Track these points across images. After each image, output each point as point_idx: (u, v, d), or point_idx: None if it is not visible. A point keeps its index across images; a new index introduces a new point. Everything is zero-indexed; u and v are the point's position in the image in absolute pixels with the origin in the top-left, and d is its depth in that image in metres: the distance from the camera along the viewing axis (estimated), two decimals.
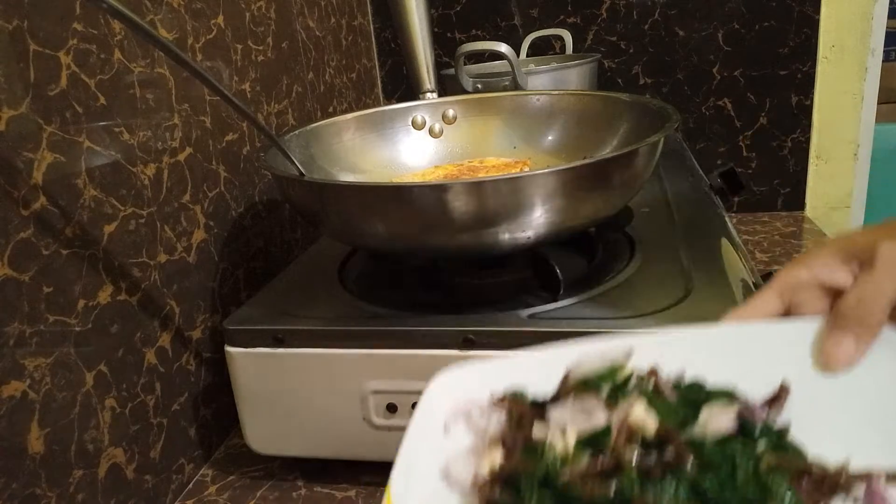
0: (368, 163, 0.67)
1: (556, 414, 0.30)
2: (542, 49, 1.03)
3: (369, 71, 1.07)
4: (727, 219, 0.64)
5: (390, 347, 0.46)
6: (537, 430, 0.29)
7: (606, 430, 0.28)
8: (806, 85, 0.97)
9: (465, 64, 0.79)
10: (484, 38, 1.04)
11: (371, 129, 0.68)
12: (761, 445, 0.27)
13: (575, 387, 0.30)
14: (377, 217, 0.45)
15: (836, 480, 0.26)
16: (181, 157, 0.54)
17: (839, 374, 0.30)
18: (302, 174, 0.53)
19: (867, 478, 0.26)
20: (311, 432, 0.49)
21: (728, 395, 0.29)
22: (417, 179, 0.65)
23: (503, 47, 0.74)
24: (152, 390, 0.50)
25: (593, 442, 0.28)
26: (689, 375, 0.31)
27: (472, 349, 0.44)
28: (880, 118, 1.03)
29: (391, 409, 0.47)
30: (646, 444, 0.27)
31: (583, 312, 0.45)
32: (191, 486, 0.54)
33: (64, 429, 0.41)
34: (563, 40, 1.01)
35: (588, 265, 0.54)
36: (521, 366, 0.33)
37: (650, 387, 0.30)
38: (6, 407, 0.37)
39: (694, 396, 0.29)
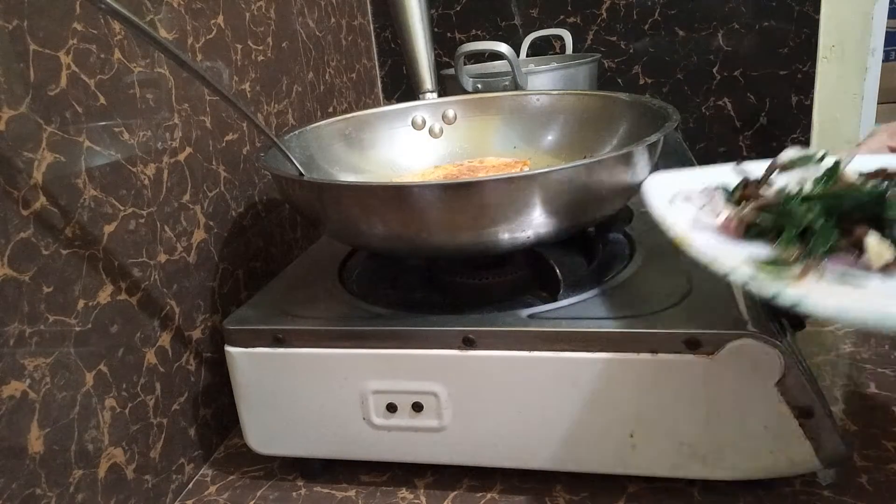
0: (368, 163, 0.67)
1: (781, 178, 0.41)
2: (542, 49, 1.03)
3: (369, 71, 1.07)
4: None
5: (390, 347, 0.46)
6: (766, 192, 0.40)
7: (835, 168, 0.40)
8: (806, 85, 0.97)
9: (465, 64, 0.79)
10: (484, 38, 1.04)
11: (371, 129, 0.68)
12: None
13: (789, 163, 0.42)
14: (377, 217, 0.45)
15: None
16: (181, 157, 0.54)
17: None
18: (302, 174, 0.53)
19: None
20: (311, 432, 0.49)
21: None
22: (417, 179, 0.65)
23: (503, 47, 0.74)
24: (152, 390, 0.50)
25: (828, 177, 0.39)
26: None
27: (472, 349, 0.44)
28: (880, 118, 1.02)
29: (391, 409, 0.47)
30: None
31: (583, 312, 0.45)
32: (191, 486, 0.54)
33: (64, 429, 0.41)
34: (563, 40, 1.01)
35: (588, 265, 0.54)
36: (719, 171, 0.46)
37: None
38: (6, 407, 0.37)
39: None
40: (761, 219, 0.38)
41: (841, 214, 0.37)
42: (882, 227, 0.35)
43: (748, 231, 0.39)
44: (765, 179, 0.42)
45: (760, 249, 0.37)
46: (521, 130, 0.69)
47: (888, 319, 0.29)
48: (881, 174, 0.40)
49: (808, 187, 0.40)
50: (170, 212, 0.53)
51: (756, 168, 0.45)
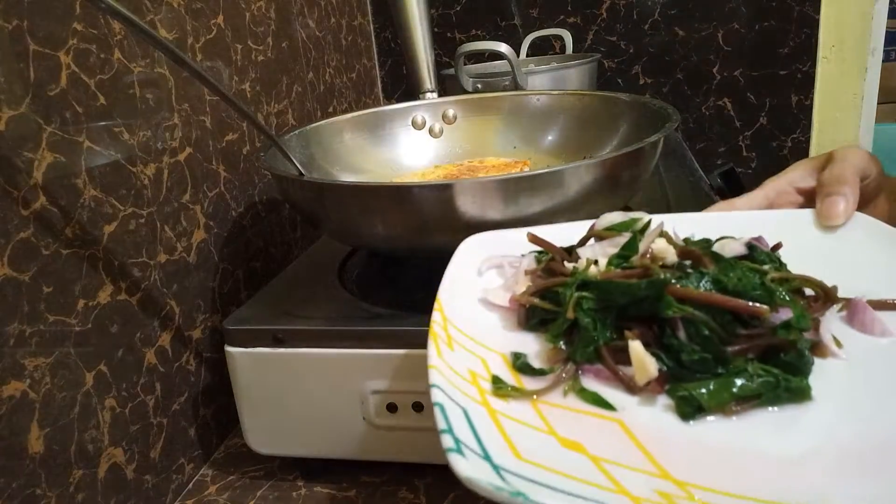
0: (368, 163, 0.67)
1: (586, 251, 0.34)
2: (542, 49, 1.03)
3: (369, 71, 1.07)
4: None
5: (390, 347, 0.46)
6: (568, 265, 0.33)
7: (633, 244, 0.32)
8: (806, 85, 0.97)
9: (465, 64, 0.79)
10: (484, 38, 1.04)
11: (371, 129, 0.68)
12: (766, 267, 0.32)
13: (601, 231, 0.35)
14: (377, 217, 0.45)
15: (829, 292, 0.31)
16: (181, 157, 0.54)
17: (830, 236, 0.37)
18: (302, 174, 0.53)
19: (850, 299, 0.31)
20: (311, 432, 0.49)
21: (734, 239, 0.34)
22: (417, 179, 0.65)
23: (503, 47, 0.74)
24: (152, 390, 0.50)
25: (622, 257, 0.32)
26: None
27: None
28: (880, 118, 1.03)
29: (391, 409, 0.47)
30: (667, 268, 0.31)
31: None
32: (191, 486, 0.54)
33: (64, 429, 0.41)
34: (563, 40, 1.01)
35: None
36: (544, 234, 0.37)
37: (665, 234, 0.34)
38: (6, 407, 0.37)
39: (703, 245, 0.34)
40: (541, 304, 0.32)
41: (620, 309, 0.29)
42: (663, 330, 0.28)
43: (531, 318, 0.32)
44: (573, 249, 0.35)
45: (535, 344, 0.31)
46: (521, 130, 0.69)
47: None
48: (691, 255, 0.31)
49: (598, 267, 0.32)
50: (170, 212, 0.53)
51: (651, 217, 0.36)
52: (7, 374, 0.37)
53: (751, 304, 0.27)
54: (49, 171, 0.41)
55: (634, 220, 0.35)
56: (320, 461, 0.52)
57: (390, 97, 1.12)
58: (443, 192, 0.42)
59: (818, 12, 0.93)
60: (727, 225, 0.37)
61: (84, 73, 0.44)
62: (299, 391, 0.48)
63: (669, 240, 0.33)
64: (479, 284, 0.35)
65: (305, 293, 0.53)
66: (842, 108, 0.98)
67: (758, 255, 0.33)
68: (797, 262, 0.33)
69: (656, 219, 0.35)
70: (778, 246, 0.35)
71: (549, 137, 0.68)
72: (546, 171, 0.42)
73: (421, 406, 0.46)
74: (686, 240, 0.35)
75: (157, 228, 0.51)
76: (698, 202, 0.65)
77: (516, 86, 0.76)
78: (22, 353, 0.38)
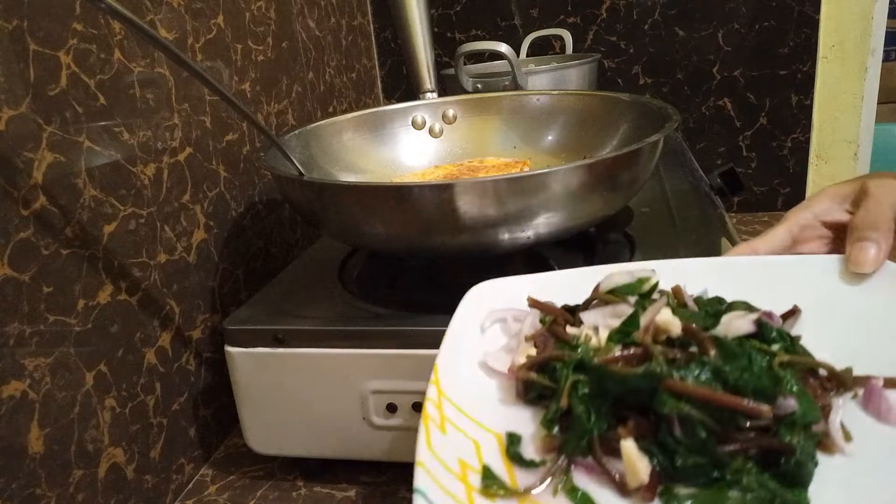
0: (368, 163, 0.67)
1: (588, 316, 0.33)
2: (542, 49, 1.03)
3: (369, 71, 1.07)
4: (727, 219, 0.64)
5: (390, 347, 0.46)
6: (570, 330, 0.32)
7: (635, 319, 0.30)
8: (806, 85, 0.97)
9: (465, 64, 0.79)
10: (484, 38, 1.04)
11: (371, 129, 0.68)
12: (775, 347, 0.29)
13: (605, 295, 0.34)
14: (377, 217, 0.45)
15: (842, 379, 0.29)
16: (181, 157, 0.54)
17: (849, 294, 0.34)
18: (302, 174, 0.53)
19: (867, 379, 0.28)
20: (311, 432, 0.49)
21: (746, 305, 0.32)
22: (417, 179, 0.65)
23: (503, 47, 0.74)
24: (152, 390, 0.50)
25: (623, 333, 0.30)
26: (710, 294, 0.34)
27: None
28: (880, 118, 1.03)
29: (391, 409, 0.47)
30: (671, 343, 0.29)
31: None
32: (191, 486, 0.54)
33: (64, 429, 0.41)
34: (563, 40, 1.01)
35: (588, 265, 0.54)
36: (552, 281, 0.36)
37: (674, 298, 0.33)
38: (6, 407, 0.37)
39: (715, 308, 0.32)
40: (538, 380, 0.30)
41: (617, 397, 0.28)
42: (659, 423, 0.26)
43: (529, 391, 0.31)
44: (576, 312, 0.34)
45: (533, 422, 0.29)
46: (521, 130, 0.69)
47: None
48: (694, 335, 0.29)
49: (598, 339, 0.30)
50: (170, 212, 0.53)
51: (663, 266, 0.35)
52: (7, 374, 0.37)
53: (751, 404, 0.26)
54: (49, 171, 0.41)
55: (642, 282, 0.33)
56: (320, 461, 0.52)
57: (390, 97, 1.12)
58: (443, 192, 0.42)
59: (818, 12, 0.93)
60: (745, 273, 0.35)
61: (84, 73, 0.44)
62: (299, 391, 0.48)
63: (680, 298, 0.32)
64: (480, 345, 0.34)
65: (305, 293, 0.53)
66: (842, 108, 0.98)
67: (767, 332, 0.30)
68: (818, 315, 0.32)
69: (664, 266, 0.33)
70: (791, 313, 0.33)
71: (549, 137, 0.68)
72: (546, 171, 0.42)
73: (421, 406, 0.46)
74: (697, 299, 0.33)
75: (157, 228, 0.51)
76: (698, 202, 0.65)
77: (516, 86, 0.76)
78: (22, 353, 0.38)
